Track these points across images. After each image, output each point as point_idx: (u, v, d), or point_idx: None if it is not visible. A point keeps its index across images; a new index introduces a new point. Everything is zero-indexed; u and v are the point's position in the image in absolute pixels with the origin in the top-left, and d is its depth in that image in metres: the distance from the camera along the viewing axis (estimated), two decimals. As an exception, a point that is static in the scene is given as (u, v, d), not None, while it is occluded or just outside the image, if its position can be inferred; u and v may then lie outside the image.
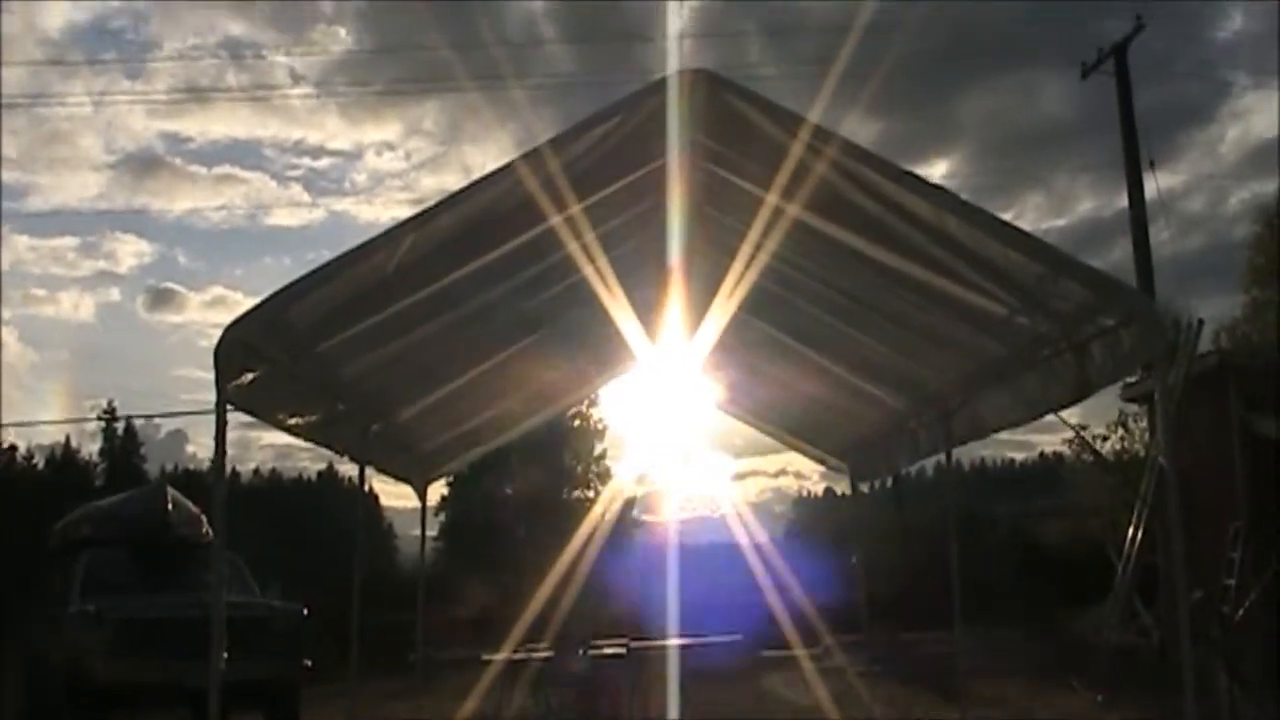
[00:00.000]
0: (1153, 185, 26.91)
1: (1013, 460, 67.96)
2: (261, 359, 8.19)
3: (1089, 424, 27.28)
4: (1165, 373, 8.30)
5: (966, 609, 13.37)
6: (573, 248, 9.53)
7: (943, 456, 13.17)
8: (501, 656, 14.00)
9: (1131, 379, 17.50)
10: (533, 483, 33.69)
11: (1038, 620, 21.18)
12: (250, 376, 8.09)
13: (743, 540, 18.06)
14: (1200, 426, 17.18)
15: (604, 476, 39.07)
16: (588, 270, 10.12)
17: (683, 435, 17.61)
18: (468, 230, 8.38)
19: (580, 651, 13.95)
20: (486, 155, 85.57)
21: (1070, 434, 26.50)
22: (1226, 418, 17.59)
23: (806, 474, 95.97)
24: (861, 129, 61.28)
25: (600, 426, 39.91)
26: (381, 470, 13.27)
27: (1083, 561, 22.55)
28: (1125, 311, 7.73)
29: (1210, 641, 14.03)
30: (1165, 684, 11.03)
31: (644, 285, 11.58)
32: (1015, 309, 8.61)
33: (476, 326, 10.85)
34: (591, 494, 38.26)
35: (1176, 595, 8.29)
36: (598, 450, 40.29)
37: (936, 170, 73.82)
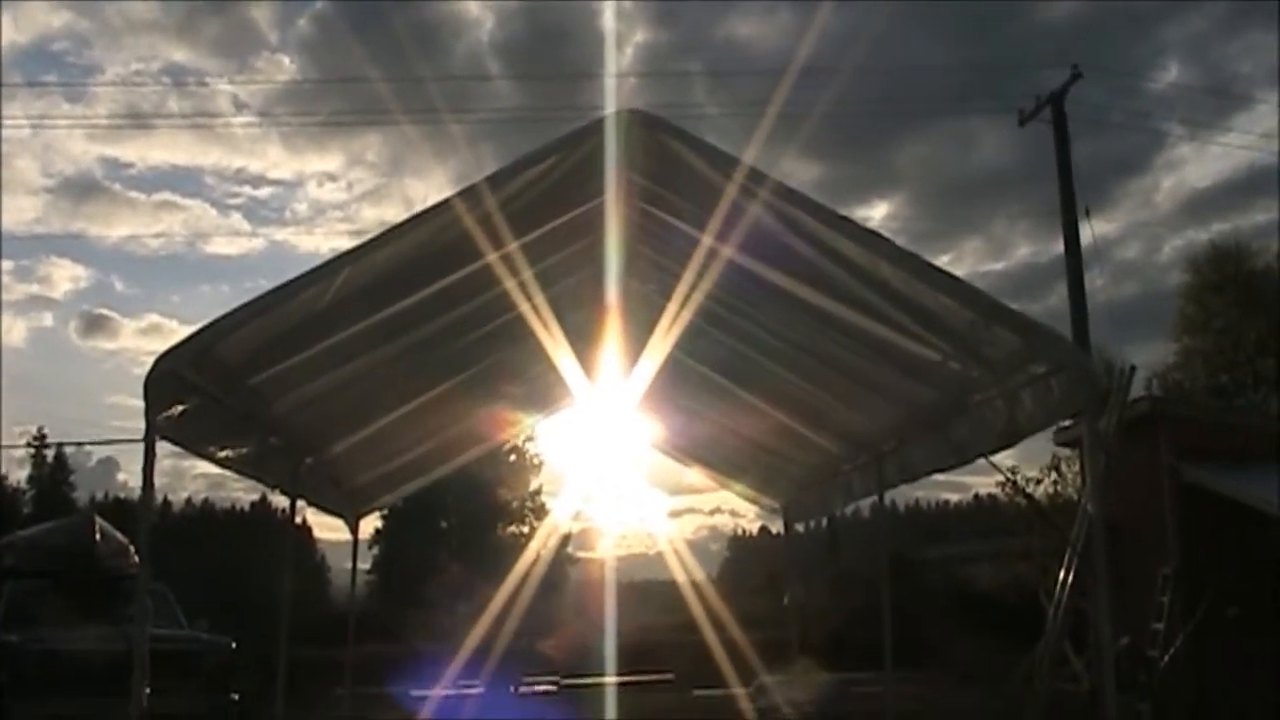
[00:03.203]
0: (1088, 232, 27.23)
1: (947, 502, 68.29)
2: (193, 391, 8.13)
3: (1021, 467, 27.48)
4: (1094, 421, 8.35)
5: (899, 651, 13.41)
6: (510, 285, 9.53)
7: (876, 498, 13.24)
8: (433, 693, 13.93)
9: (1065, 423, 17.62)
10: (467, 517, 33.48)
11: (970, 664, 21.23)
12: (181, 408, 8.03)
13: (677, 578, 18.07)
14: (1131, 473, 17.34)
15: (539, 512, 38.84)
16: (525, 307, 10.12)
17: (618, 472, 17.64)
18: (404, 265, 8.35)
19: (512, 688, 13.91)
20: (429, 188, 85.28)
21: (1002, 477, 26.66)
22: (1157, 464, 17.79)
23: (742, 512, 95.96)
24: (803, 170, 61.74)
25: (536, 462, 39.74)
26: (313, 504, 13.17)
27: (1015, 605, 22.64)
28: (1055, 360, 7.79)
29: (1138, 686, 14.14)
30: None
31: (581, 323, 11.61)
32: (947, 355, 8.66)
33: (412, 362, 10.80)
34: (527, 529, 38.05)
35: (1103, 641, 8.32)
36: (533, 485, 40.10)
37: (877, 213, 74.30)
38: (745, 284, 9.78)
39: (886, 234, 7.99)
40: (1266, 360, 36.02)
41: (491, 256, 8.71)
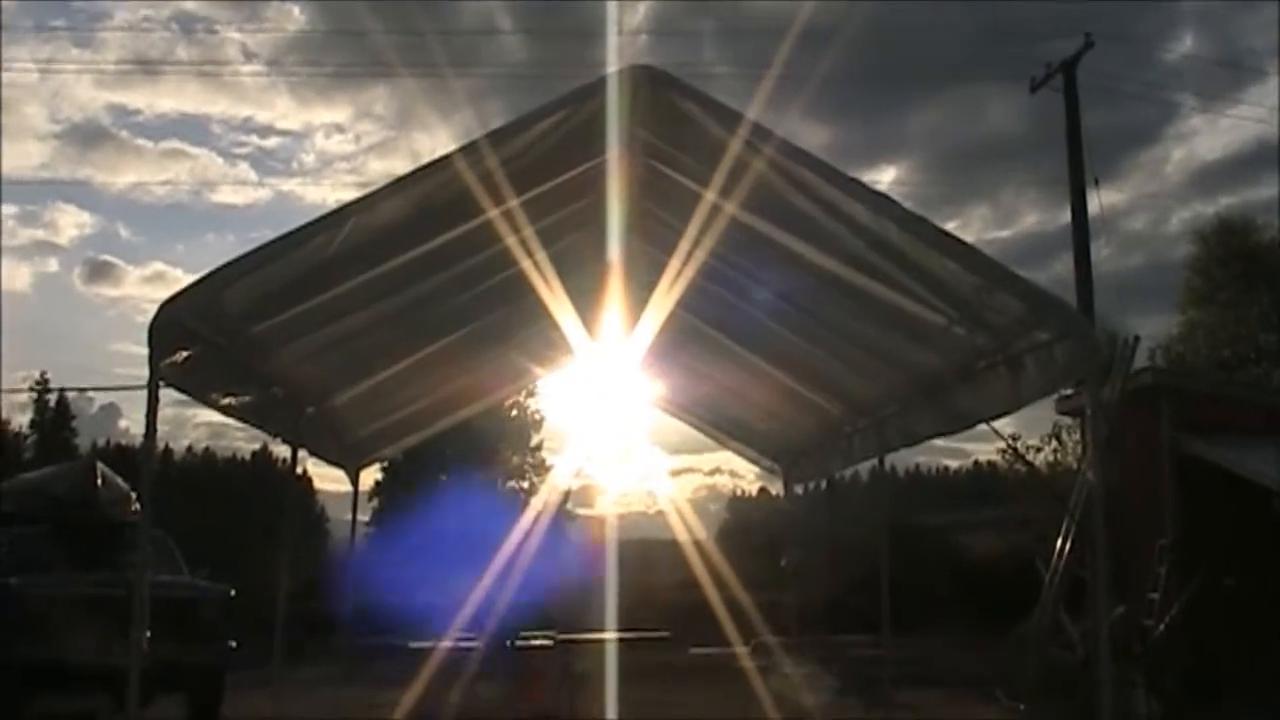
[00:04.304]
0: (1096, 202, 27.13)
1: (947, 468, 67.95)
2: (196, 338, 8.14)
3: (1022, 435, 27.46)
4: (1096, 390, 8.35)
5: (897, 616, 13.44)
6: (512, 241, 9.50)
7: (876, 461, 13.26)
8: (429, 645, 13.96)
9: (1067, 392, 17.62)
10: (468, 472, 33.49)
11: (967, 630, 21.24)
12: (184, 355, 8.04)
13: (677, 537, 18.09)
14: (1132, 443, 17.34)
15: (540, 468, 38.88)
16: (526, 264, 10.09)
17: (619, 430, 17.62)
18: (408, 219, 8.33)
19: (508, 643, 13.92)
20: (437, 142, 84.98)
21: (1003, 444, 26.65)
22: (1158, 435, 17.76)
23: (741, 473, 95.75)
24: (812, 134, 61.41)
25: (537, 418, 39.69)
26: (314, 454, 13.21)
27: (1013, 573, 22.67)
28: (1059, 327, 7.79)
29: (1132, 656, 14.17)
30: (1087, 697, 11.12)
31: (583, 280, 11.58)
32: (951, 320, 8.65)
33: (414, 315, 10.80)
34: (527, 485, 38.10)
35: (1100, 610, 8.36)
36: (534, 441, 40.09)
37: (885, 177, 73.82)
38: (750, 243, 9.76)
39: (894, 199, 7.98)
40: (1270, 335, 35.97)
41: (494, 212, 8.68)
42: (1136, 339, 18.43)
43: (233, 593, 14.88)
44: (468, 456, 33.31)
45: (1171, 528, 16.79)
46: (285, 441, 12.19)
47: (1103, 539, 7.97)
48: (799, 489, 18.80)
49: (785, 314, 11.23)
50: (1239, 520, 16.20)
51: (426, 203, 8.21)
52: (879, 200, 7.75)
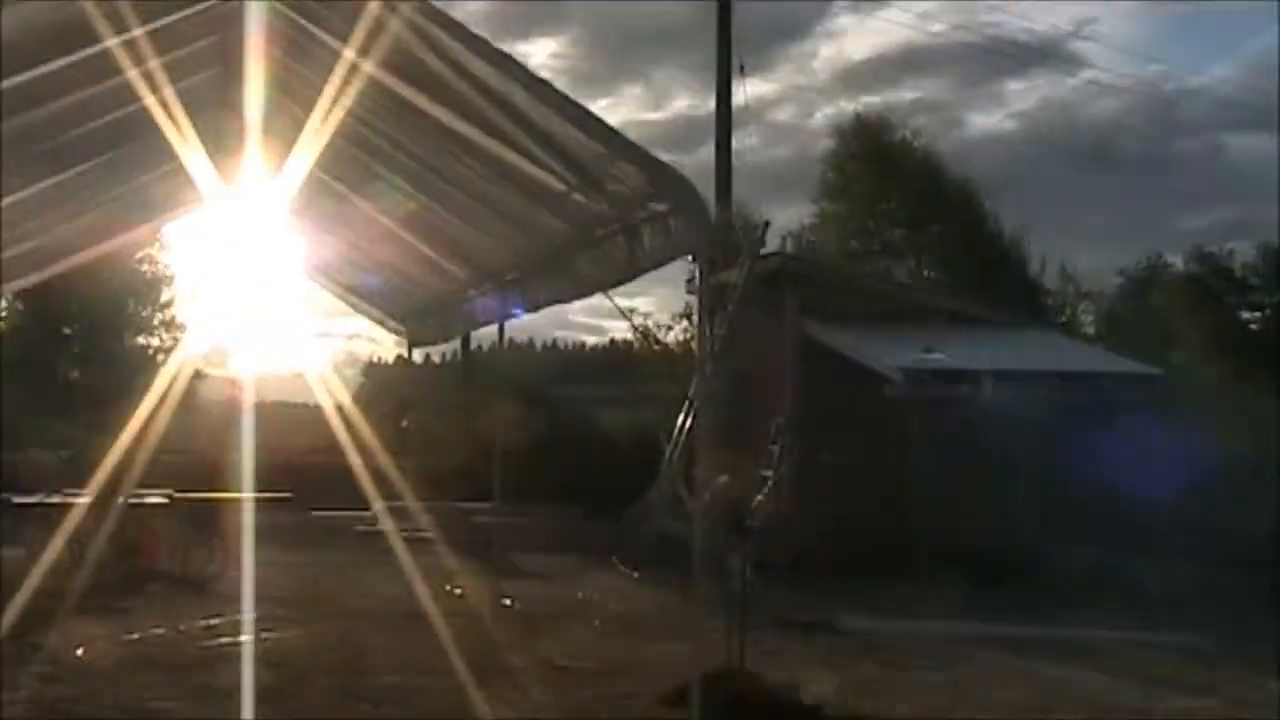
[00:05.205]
0: (743, 91, 27.62)
1: (584, 343, 68.92)
2: None
3: (655, 313, 28.20)
4: (708, 264, 8.61)
5: (521, 485, 13.65)
6: (132, 74, 9.03)
7: (516, 332, 13.42)
8: (31, 500, 13.51)
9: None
10: (94, 325, 32.22)
11: (592, 501, 21.74)
12: None
13: (310, 401, 17.92)
14: (758, 324, 17.98)
15: (171, 325, 37.59)
16: (149, 100, 9.60)
17: (251, 288, 17.28)
18: (10, 41, 7.81)
19: (121, 499, 13.53)
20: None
21: (636, 321, 27.40)
22: (782, 318, 18.47)
23: (380, 340, 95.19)
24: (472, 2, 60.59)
25: (169, 274, 38.30)
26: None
27: (640, 447, 23.26)
28: (676, 200, 7.94)
29: (743, 530, 14.78)
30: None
31: (215, 125, 11.21)
32: (573, 186, 8.73)
33: (23, 146, 10.16)
34: (157, 342, 36.85)
35: (699, 483, 8.71)
36: (165, 297, 38.70)
37: (543, 50, 73.40)
38: (385, 103, 9.64)
39: (549, 73, 7.99)
40: (895, 230, 37.85)
41: (113, 41, 8.22)
42: (766, 224, 19.12)
43: None
44: (94, 309, 31.98)
45: (789, 407, 17.50)
46: None
47: (711, 411, 8.27)
48: (436, 357, 18.90)
49: (418, 176, 11.18)
50: (853, 403, 17.04)
51: (32, 23, 7.72)
52: (503, 60, 7.70)
